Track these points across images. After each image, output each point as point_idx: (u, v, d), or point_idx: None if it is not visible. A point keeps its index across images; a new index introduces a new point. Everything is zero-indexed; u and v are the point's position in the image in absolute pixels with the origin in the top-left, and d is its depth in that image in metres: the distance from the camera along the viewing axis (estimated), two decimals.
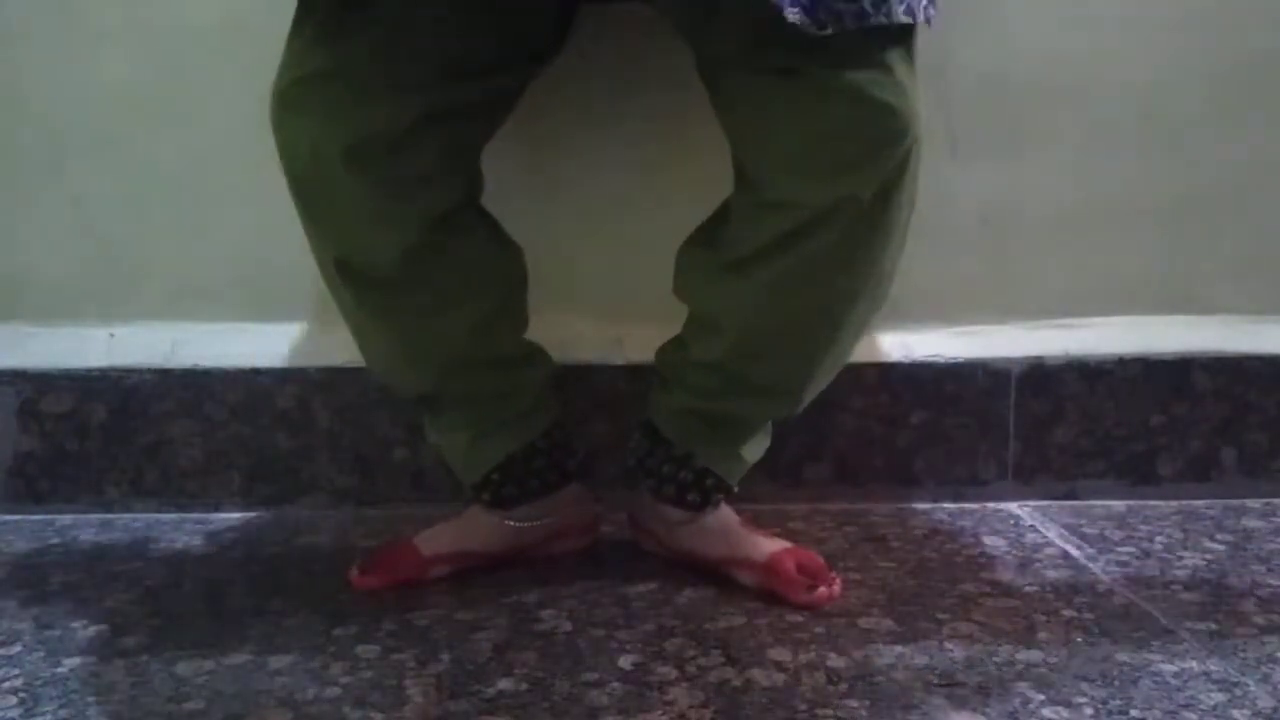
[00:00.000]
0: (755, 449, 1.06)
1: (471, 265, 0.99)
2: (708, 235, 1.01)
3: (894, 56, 0.86)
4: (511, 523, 1.07)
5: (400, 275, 0.94)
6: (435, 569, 1.05)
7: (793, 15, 0.80)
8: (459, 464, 1.07)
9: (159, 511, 1.25)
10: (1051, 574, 1.07)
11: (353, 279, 0.96)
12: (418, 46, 0.88)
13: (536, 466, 1.06)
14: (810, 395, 1.02)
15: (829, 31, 0.81)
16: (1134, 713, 0.80)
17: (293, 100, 0.89)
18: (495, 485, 1.05)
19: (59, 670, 0.88)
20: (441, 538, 1.07)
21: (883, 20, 0.82)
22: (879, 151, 0.87)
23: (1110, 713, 0.80)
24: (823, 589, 0.99)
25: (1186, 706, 0.81)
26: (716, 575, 1.04)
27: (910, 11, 0.84)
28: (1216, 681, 0.85)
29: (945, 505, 1.28)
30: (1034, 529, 1.20)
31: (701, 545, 1.05)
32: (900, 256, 0.96)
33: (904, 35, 0.87)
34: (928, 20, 0.87)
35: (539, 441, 1.06)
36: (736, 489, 1.06)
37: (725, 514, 1.07)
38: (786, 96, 0.86)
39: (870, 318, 0.98)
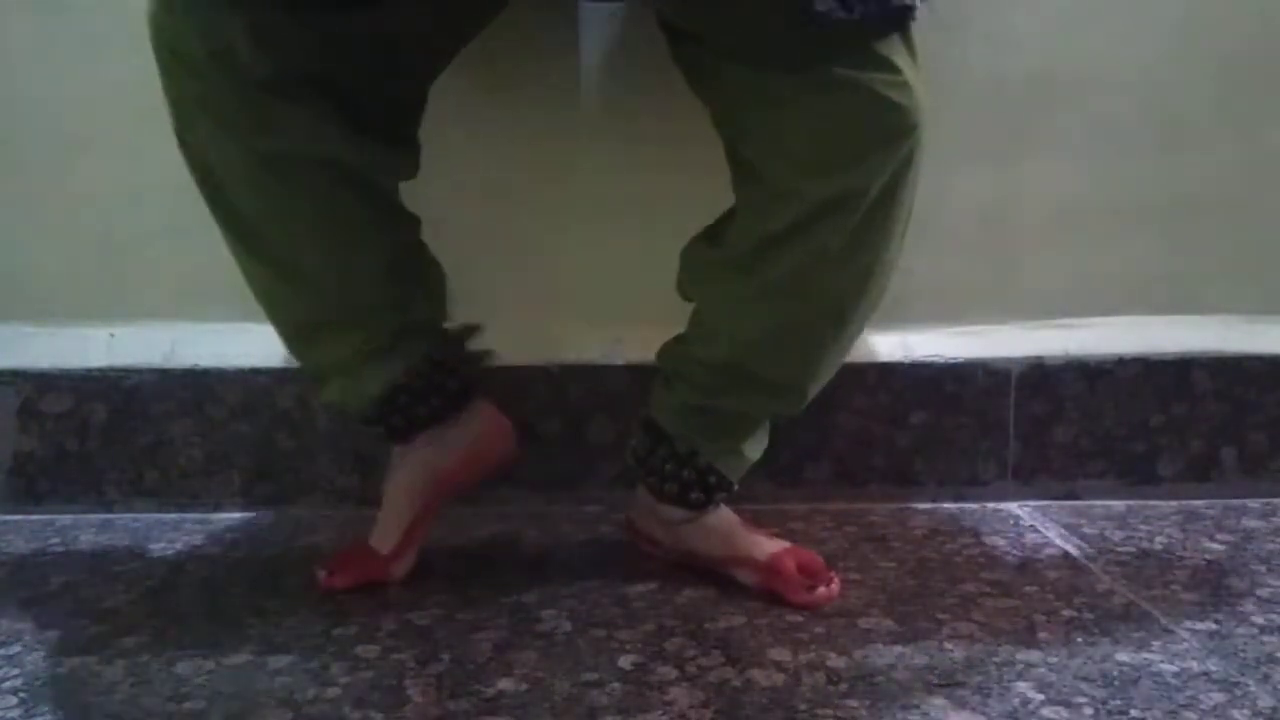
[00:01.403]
0: (756, 447, 1.06)
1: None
2: (712, 234, 1.01)
3: (898, 50, 0.86)
4: (405, 451, 1.05)
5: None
6: (396, 564, 1.04)
7: (821, 4, 0.81)
8: (340, 400, 1.03)
9: (159, 511, 1.25)
10: (1051, 574, 1.07)
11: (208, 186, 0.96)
12: None
13: (421, 392, 1.03)
14: (814, 391, 1.02)
15: (856, 15, 0.81)
16: (1134, 713, 0.80)
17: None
18: (384, 417, 1.03)
19: (59, 670, 0.87)
20: (384, 528, 1.05)
21: (875, 11, 0.82)
22: (888, 146, 0.87)
23: (1110, 713, 0.80)
24: (822, 589, 0.99)
25: (1186, 706, 0.81)
26: (717, 575, 1.04)
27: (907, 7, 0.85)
28: (1216, 681, 0.85)
29: (945, 505, 1.28)
30: (1034, 529, 1.20)
31: (703, 544, 1.06)
32: (901, 251, 0.96)
33: (904, 26, 0.87)
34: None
35: (420, 367, 1.03)
36: (737, 487, 1.06)
37: (726, 513, 1.07)
38: (794, 93, 0.86)
39: (871, 313, 0.98)
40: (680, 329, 1.05)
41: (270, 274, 0.99)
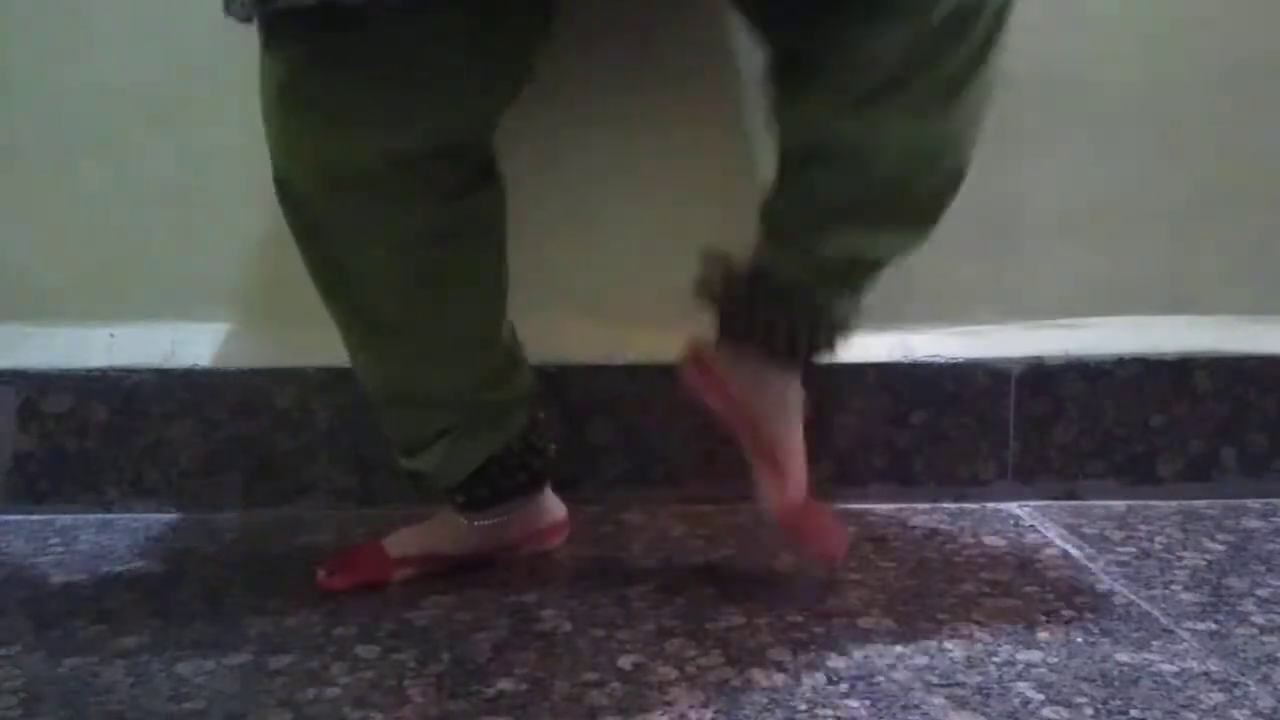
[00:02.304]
0: (863, 297, 1.00)
1: (465, 263, 1.00)
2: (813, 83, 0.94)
3: None
4: (480, 525, 1.06)
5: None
6: (401, 570, 1.05)
7: None
8: (435, 467, 1.04)
9: (159, 511, 1.25)
10: (1051, 574, 1.07)
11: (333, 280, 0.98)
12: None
13: (511, 468, 1.05)
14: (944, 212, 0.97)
15: None
16: (1134, 713, 0.80)
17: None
18: (469, 488, 1.04)
19: (59, 670, 0.88)
20: (409, 540, 1.07)
21: None
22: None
23: (1110, 713, 0.80)
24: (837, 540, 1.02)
25: (1186, 706, 0.81)
26: (753, 454, 1.01)
27: None
28: (1216, 681, 0.85)
29: (945, 505, 1.28)
30: (1034, 529, 1.20)
31: (770, 410, 1.01)
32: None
33: None
34: None
35: (515, 444, 1.05)
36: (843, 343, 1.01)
37: (800, 422, 1.02)
38: None
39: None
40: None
41: (387, 347, 1.00)
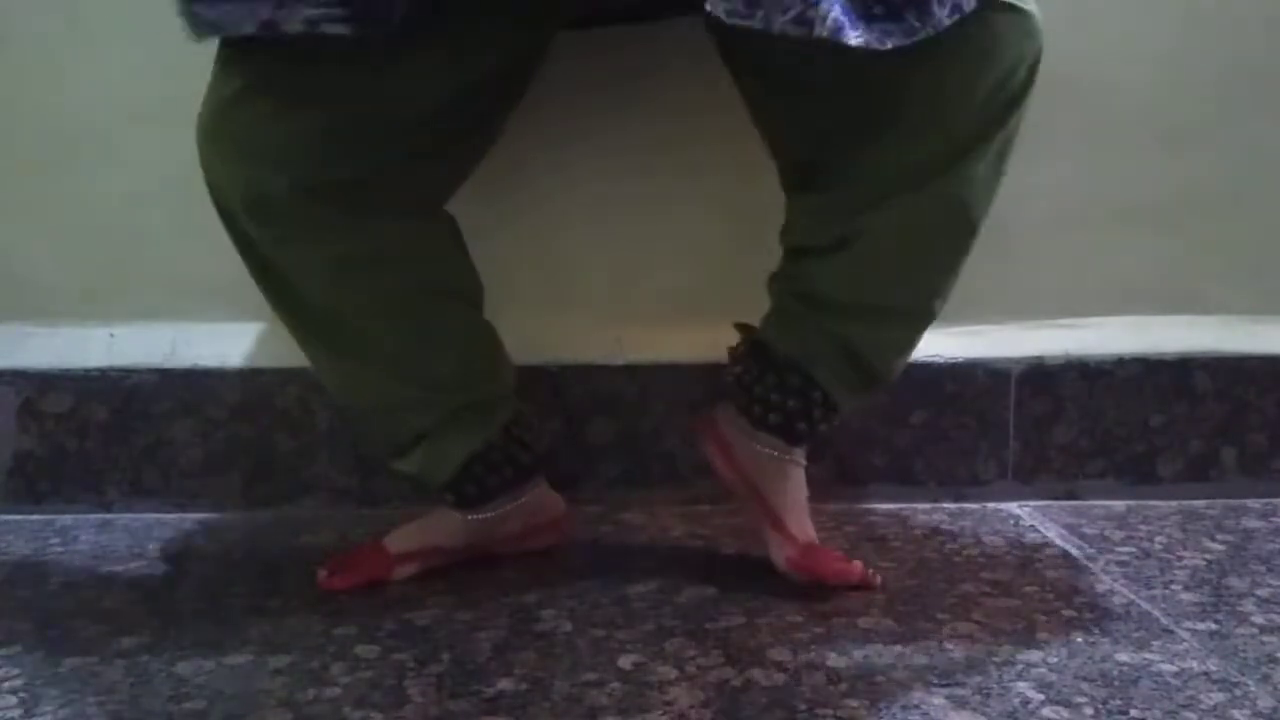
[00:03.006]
0: (868, 381, 1.03)
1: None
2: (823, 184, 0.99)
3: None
4: (474, 519, 1.06)
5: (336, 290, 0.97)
6: (402, 568, 1.05)
7: (855, 39, 0.80)
8: (418, 469, 1.04)
9: (159, 511, 1.25)
10: (1051, 574, 1.07)
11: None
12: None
13: (496, 464, 1.05)
14: (940, 307, 1.01)
15: (889, 46, 0.81)
16: (1134, 713, 0.80)
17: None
18: (456, 486, 1.04)
19: (59, 670, 0.87)
20: (409, 536, 1.07)
21: (929, 32, 0.82)
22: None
23: (1110, 713, 0.80)
24: (858, 562, 1.01)
25: (1186, 706, 0.81)
26: (759, 522, 1.04)
27: (958, 8, 0.84)
28: (1216, 681, 0.85)
29: (945, 505, 1.28)
30: (1034, 529, 1.20)
31: (772, 491, 1.03)
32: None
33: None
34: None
35: (497, 440, 1.04)
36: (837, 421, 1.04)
37: (804, 483, 1.05)
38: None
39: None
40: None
41: (346, 362, 1.00)
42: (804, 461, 1.05)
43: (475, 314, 1.07)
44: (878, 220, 0.94)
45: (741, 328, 1.06)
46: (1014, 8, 0.90)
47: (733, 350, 1.06)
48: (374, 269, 0.96)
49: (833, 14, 0.79)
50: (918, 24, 0.82)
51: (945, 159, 0.91)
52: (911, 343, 1.03)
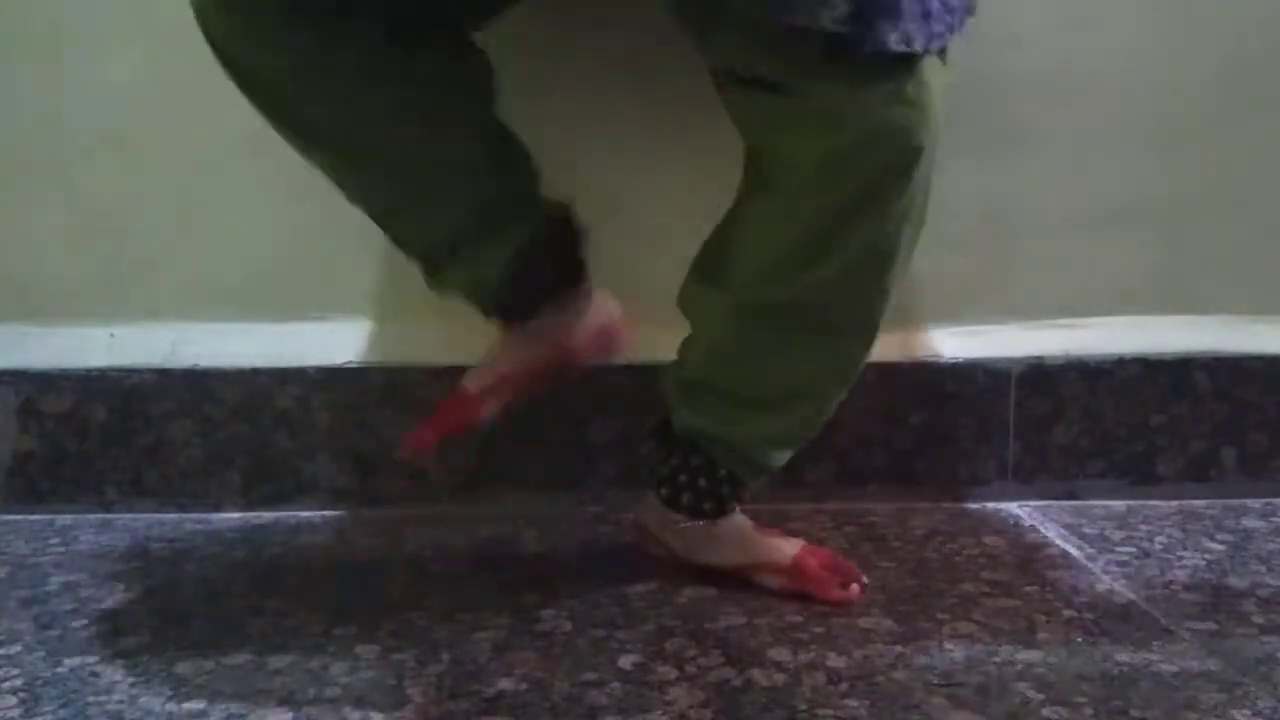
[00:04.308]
0: (779, 456, 1.03)
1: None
2: (713, 265, 0.99)
3: (899, 72, 0.84)
4: (540, 330, 1.04)
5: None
6: (487, 405, 1.04)
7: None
8: (462, 282, 1.02)
9: (159, 511, 1.25)
10: (1051, 574, 1.07)
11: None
12: None
13: (540, 264, 1.01)
14: (825, 411, 1.01)
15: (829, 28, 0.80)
16: (1134, 713, 0.80)
17: None
18: (504, 295, 1.01)
19: (59, 670, 0.88)
20: (484, 373, 1.05)
21: (868, 49, 0.80)
22: (889, 172, 0.86)
23: (1110, 713, 0.80)
24: (855, 584, 1.00)
25: (1186, 706, 0.81)
26: (737, 580, 1.03)
27: (906, 40, 0.81)
28: (1216, 681, 0.85)
29: (945, 505, 1.28)
30: (1034, 529, 1.20)
31: (719, 554, 1.04)
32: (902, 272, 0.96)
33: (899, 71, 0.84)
34: (935, 50, 0.84)
35: (540, 235, 1.01)
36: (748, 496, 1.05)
37: (738, 519, 1.05)
38: (782, 114, 0.86)
39: (869, 332, 0.99)
40: (680, 329, 1.05)
41: (357, 166, 0.96)
42: (733, 511, 1.04)
43: (489, 114, 1.02)
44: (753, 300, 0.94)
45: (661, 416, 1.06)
46: (910, 100, 0.85)
47: (649, 429, 1.07)
48: (383, 84, 0.93)
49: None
50: (859, 37, 0.80)
51: (812, 235, 0.89)
52: (803, 429, 1.02)
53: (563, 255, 1.04)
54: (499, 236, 0.99)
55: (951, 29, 0.85)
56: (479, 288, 1.02)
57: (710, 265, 1.00)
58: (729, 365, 0.99)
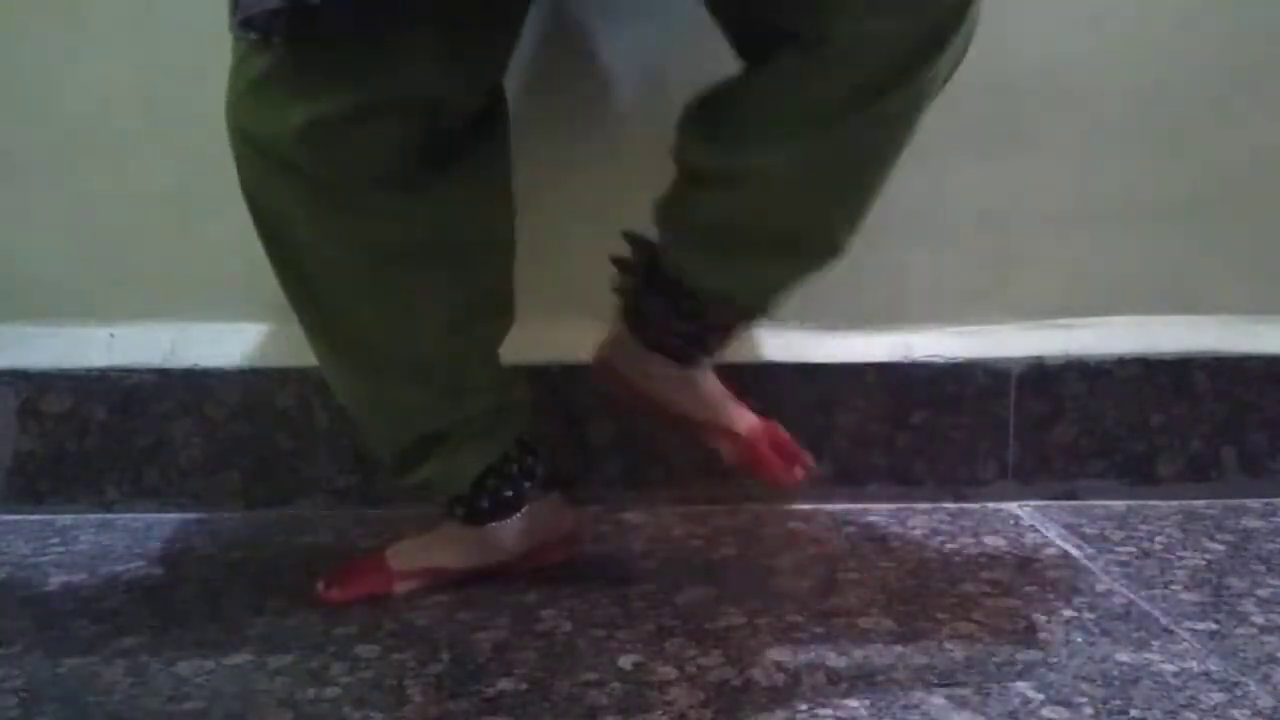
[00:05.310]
0: (772, 301, 1.00)
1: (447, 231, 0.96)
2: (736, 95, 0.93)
3: None
4: (486, 534, 1.03)
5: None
6: (404, 584, 1.02)
7: None
8: (429, 482, 1.02)
9: (159, 511, 1.25)
10: (1051, 574, 1.07)
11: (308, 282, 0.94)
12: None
13: (509, 475, 1.02)
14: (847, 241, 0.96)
15: None
16: (1134, 713, 0.80)
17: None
18: (469, 500, 1.02)
19: (59, 670, 0.88)
20: (413, 553, 1.04)
21: None
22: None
23: (1110, 713, 0.80)
24: (798, 468, 1.00)
25: (1186, 706, 0.81)
26: (693, 435, 1.03)
27: None
28: (1216, 681, 0.85)
29: (945, 505, 1.28)
30: (1034, 529, 1.20)
31: (688, 405, 1.01)
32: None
33: None
34: None
35: (511, 451, 1.02)
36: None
37: (713, 379, 1.03)
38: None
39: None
40: None
41: (377, 374, 0.97)
42: (708, 366, 1.02)
43: (503, 324, 1.04)
44: (770, 157, 0.89)
45: (632, 239, 1.02)
46: None
47: (622, 262, 1.02)
48: (414, 262, 0.93)
49: None
50: None
51: (851, 100, 0.85)
52: (806, 273, 0.97)
53: (537, 464, 1.04)
54: (481, 441, 1.00)
55: None
56: (449, 488, 1.01)
57: (715, 120, 0.94)
58: (735, 213, 0.94)
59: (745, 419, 1.02)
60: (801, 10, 0.84)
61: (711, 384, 1.03)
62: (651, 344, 1.01)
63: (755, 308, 1.00)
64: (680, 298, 0.98)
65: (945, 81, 0.91)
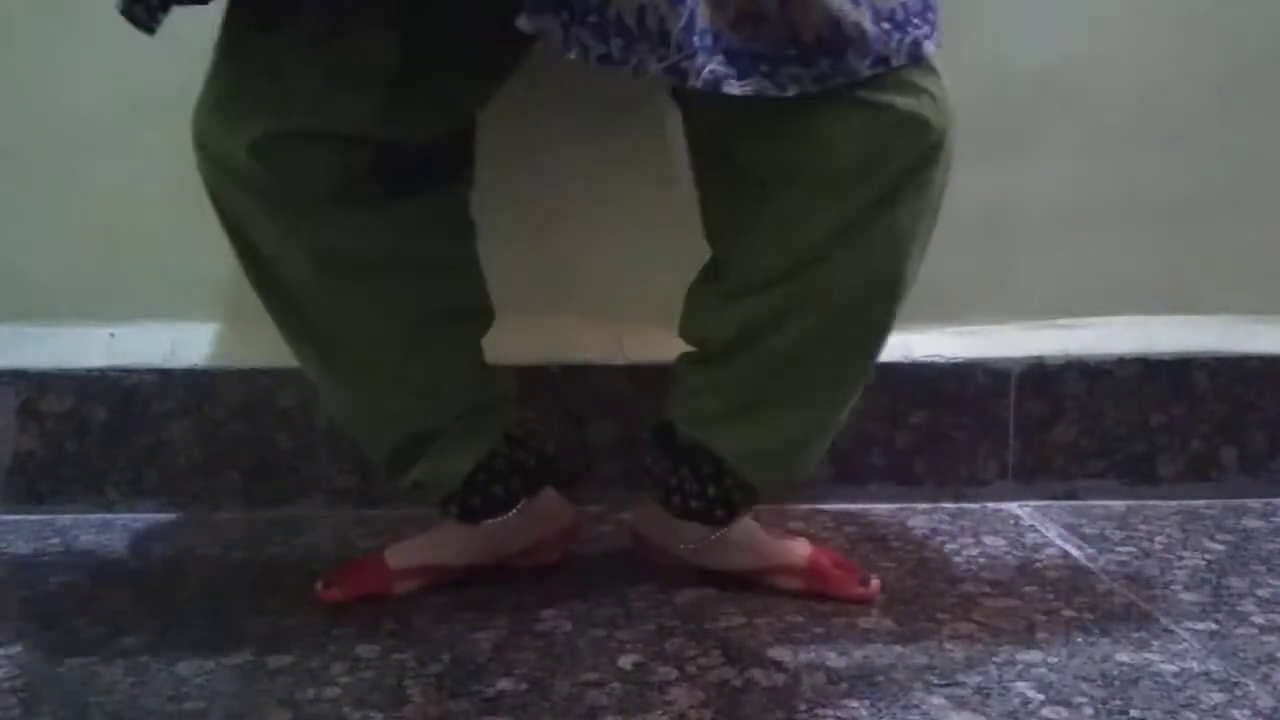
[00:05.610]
0: (798, 459, 1.01)
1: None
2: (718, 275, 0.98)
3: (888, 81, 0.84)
4: (482, 531, 1.03)
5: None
6: (402, 583, 1.02)
7: (741, 87, 0.79)
8: (420, 482, 1.02)
9: (159, 511, 1.25)
10: (1051, 574, 1.07)
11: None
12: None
13: (502, 473, 1.02)
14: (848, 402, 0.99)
15: (790, 94, 0.80)
16: (1134, 713, 0.80)
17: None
18: (462, 498, 1.01)
19: (59, 670, 0.88)
20: (411, 552, 1.04)
21: (840, 81, 0.81)
22: (903, 155, 0.86)
23: (1110, 713, 0.80)
24: (875, 580, 1.00)
25: (1186, 706, 0.81)
26: (739, 581, 1.02)
27: (881, 61, 0.82)
28: (1216, 681, 0.85)
29: (945, 505, 1.28)
30: (1034, 529, 1.20)
31: (730, 560, 1.03)
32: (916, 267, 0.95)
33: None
34: (914, 58, 0.84)
35: (501, 447, 1.02)
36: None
37: (747, 522, 1.03)
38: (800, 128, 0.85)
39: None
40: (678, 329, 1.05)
41: (354, 378, 0.98)
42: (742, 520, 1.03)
43: (478, 326, 1.04)
44: (766, 314, 0.92)
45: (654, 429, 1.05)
46: (919, 88, 0.85)
47: (644, 440, 1.06)
48: (375, 272, 0.94)
49: (710, 66, 0.77)
50: (830, 71, 0.80)
51: (833, 232, 0.88)
52: (829, 427, 1.00)
53: (528, 459, 1.04)
54: (470, 440, 1.00)
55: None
56: (441, 488, 1.01)
57: (717, 271, 0.99)
58: (739, 369, 0.96)
59: (797, 548, 1.03)
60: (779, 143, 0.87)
61: (749, 533, 1.04)
62: (683, 512, 1.01)
63: (770, 468, 1.00)
64: (700, 462, 1.00)
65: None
